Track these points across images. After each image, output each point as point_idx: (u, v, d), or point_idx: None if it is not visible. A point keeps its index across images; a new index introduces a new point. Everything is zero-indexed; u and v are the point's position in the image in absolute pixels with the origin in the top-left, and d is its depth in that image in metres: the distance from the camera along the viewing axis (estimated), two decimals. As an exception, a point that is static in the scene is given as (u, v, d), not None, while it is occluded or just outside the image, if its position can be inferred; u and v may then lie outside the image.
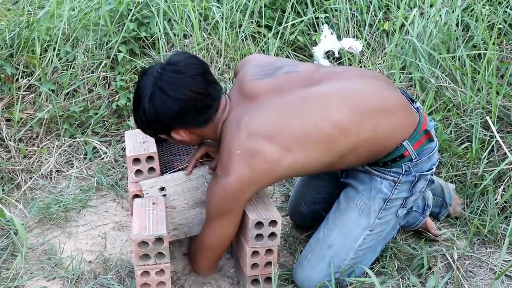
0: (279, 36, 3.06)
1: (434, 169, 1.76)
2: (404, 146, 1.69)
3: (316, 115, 1.61)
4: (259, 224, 1.72)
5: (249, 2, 3.13)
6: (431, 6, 3.00)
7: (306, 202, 2.07)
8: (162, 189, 1.85)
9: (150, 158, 1.88)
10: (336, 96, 1.65)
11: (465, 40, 2.81)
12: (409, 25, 2.90)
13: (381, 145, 1.68)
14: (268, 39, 3.05)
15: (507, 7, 2.76)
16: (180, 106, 1.60)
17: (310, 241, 1.85)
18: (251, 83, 1.69)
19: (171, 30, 2.99)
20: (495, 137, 2.25)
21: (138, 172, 1.91)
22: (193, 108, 1.62)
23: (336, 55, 2.98)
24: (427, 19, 2.89)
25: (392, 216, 1.78)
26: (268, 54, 3.04)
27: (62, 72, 2.78)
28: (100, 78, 2.83)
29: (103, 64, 2.83)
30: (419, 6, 3.06)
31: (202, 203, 1.89)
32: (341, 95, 1.66)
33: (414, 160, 1.71)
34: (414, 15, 2.91)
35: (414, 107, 1.77)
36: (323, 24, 3.11)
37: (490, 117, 2.32)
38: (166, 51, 2.94)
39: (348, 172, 1.85)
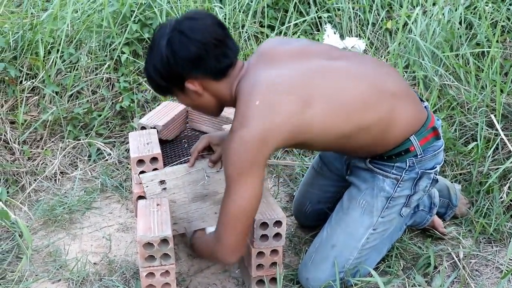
0: (282, 35, 3.04)
1: (438, 168, 1.74)
2: (410, 141, 1.67)
3: (338, 83, 1.58)
4: (264, 224, 1.70)
5: (251, 2, 3.12)
6: (434, 4, 2.98)
7: (310, 202, 2.05)
8: (162, 182, 1.83)
9: (154, 159, 1.87)
10: (357, 72, 1.63)
11: (469, 38, 2.79)
12: (412, 23, 2.88)
13: (391, 132, 1.65)
14: (271, 39, 3.04)
15: (510, 4, 2.74)
16: (199, 48, 1.52)
17: (314, 241, 1.84)
18: (271, 49, 1.65)
19: (174, 31, 2.97)
20: (500, 135, 2.24)
21: (142, 173, 1.90)
22: (212, 54, 1.54)
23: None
24: (430, 18, 2.88)
25: (396, 214, 1.76)
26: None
27: (65, 74, 2.77)
28: (104, 79, 2.82)
29: (106, 65, 2.82)
30: (421, 4, 3.05)
31: (202, 197, 1.86)
32: (361, 72, 1.64)
33: (419, 156, 1.69)
34: (417, 13, 2.90)
35: (423, 106, 1.76)
36: (326, 24, 3.10)
37: (495, 115, 2.30)
38: (169, 52, 2.92)
39: (352, 169, 1.83)
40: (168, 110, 2.24)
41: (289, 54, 1.62)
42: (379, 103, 1.61)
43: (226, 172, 1.55)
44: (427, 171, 1.71)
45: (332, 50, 1.70)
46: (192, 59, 1.54)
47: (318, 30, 3.13)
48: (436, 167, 1.73)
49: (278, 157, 2.63)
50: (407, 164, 1.69)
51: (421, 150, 1.69)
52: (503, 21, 2.71)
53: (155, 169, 1.89)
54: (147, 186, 1.82)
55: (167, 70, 1.56)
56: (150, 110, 2.58)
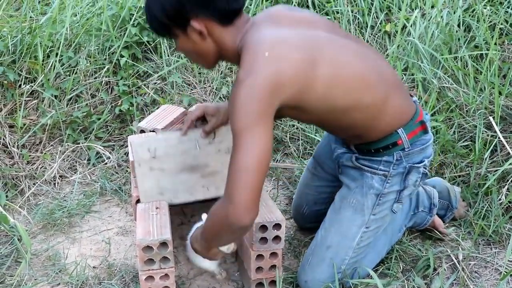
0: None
1: (426, 163, 1.74)
2: (398, 134, 1.68)
3: (343, 56, 1.57)
4: (263, 227, 1.71)
5: (251, 5, 3.12)
6: (432, 7, 2.99)
7: (307, 203, 2.06)
8: (152, 149, 1.81)
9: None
10: (360, 51, 1.63)
11: (467, 41, 2.80)
12: (411, 26, 2.89)
13: (382, 120, 1.65)
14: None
15: (508, 7, 2.75)
16: None
17: (311, 244, 1.84)
18: (279, 11, 1.62)
19: (173, 34, 2.97)
20: (498, 137, 2.24)
21: (142, 176, 1.90)
22: None
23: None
24: (429, 20, 2.88)
25: (388, 211, 1.77)
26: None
27: (64, 78, 2.77)
28: (103, 83, 2.82)
29: (105, 69, 2.83)
30: (420, 7, 3.05)
31: (192, 169, 1.84)
32: (363, 52, 1.64)
33: (406, 150, 1.69)
34: (416, 16, 2.90)
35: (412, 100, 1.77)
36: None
37: (493, 117, 2.30)
38: (168, 55, 2.94)
39: (342, 168, 1.84)
40: (167, 113, 2.23)
41: (297, 20, 1.59)
42: (377, 86, 1.61)
43: (233, 126, 1.43)
44: (415, 165, 1.71)
45: (336, 27, 1.70)
46: None
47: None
48: (424, 161, 1.73)
49: (277, 160, 2.63)
50: (395, 158, 1.69)
51: (408, 144, 1.69)
52: (501, 24, 2.72)
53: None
54: (136, 151, 1.78)
55: (175, 7, 1.50)
56: (149, 114, 2.59)
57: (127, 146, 2.58)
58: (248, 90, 1.40)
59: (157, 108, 2.43)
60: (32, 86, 2.69)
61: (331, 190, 1.98)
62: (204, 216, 1.64)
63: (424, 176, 1.76)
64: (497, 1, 2.88)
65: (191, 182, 1.84)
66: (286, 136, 2.72)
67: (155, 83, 2.86)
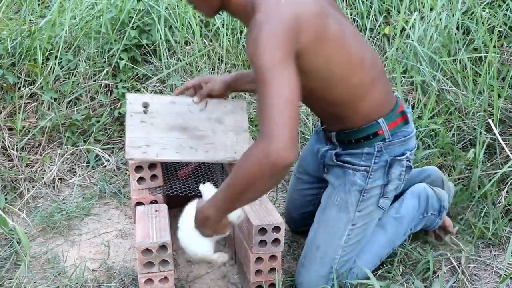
0: None
1: (409, 155, 1.74)
2: (379, 124, 1.69)
3: (349, 31, 1.62)
4: (262, 230, 1.71)
5: None
6: (431, 9, 3.00)
7: (295, 207, 2.08)
8: (146, 106, 1.87)
9: (152, 165, 1.88)
10: (356, 32, 1.71)
11: (466, 43, 2.80)
12: (410, 29, 2.90)
13: (365, 103, 1.67)
14: (269, 44, 3.05)
15: (507, 9, 2.76)
16: None
17: (304, 246, 1.85)
18: None
19: (172, 37, 2.99)
20: (498, 139, 2.25)
21: (141, 179, 1.91)
22: None
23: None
24: (428, 23, 2.89)
25: (374, 207, 1.76)
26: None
27: (64, 80, 2.78)
28: (102, 85, 2.83)
29: (104, 71, 2.83)
30: (419, 10, 3.06)
31: (181, 129, 1.88)
32: (359, 35, 1.73)
33: (387, 140, 1.70)
34: (415, 19, 2.91)
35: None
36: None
37: (492, 120, 2.31)
38: (167, 58, 2.94)
39: (327, 167, 1.85)
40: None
41: None
42: (369, 69, 1.65)
43: (259, 63, 1.37)
44: (397, 157, 1.72)
45: (338, 8, 1.74)
46: None
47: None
48: (406, 153, 1.74)
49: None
50: (375, 149, 1.70)
51: (389, 134, 1.70)
52: (500, 26, 2.73)
53: (153, 175, 1.90)
54: (130, 103, 1.86)
55: None
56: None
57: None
58: (271, 30, 1.39)
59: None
60: (32, 89, 2.69)
61: (316, 192, 2.00)
62: (204, 186, 1.58)
63: (408, 169, 1.76)
64: (496, 3, 2.89)
65: (179, 141, 1.88)
66: (286, 139, 2.71)
67: (154, 85, 2.86)
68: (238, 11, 1.59)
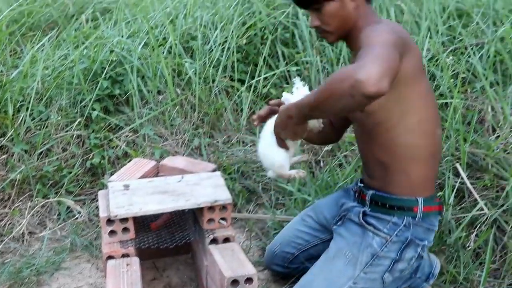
0: (252, 90, 3.12)
1: (426, 244, 1.77)
2: (417, 202, 1.73)
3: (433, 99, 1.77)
4: (234, 282, 1.71)
5: (221, 57, 3.20)
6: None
7: (281, 242, 2.09)
8: (127, 186, 1.99)
9: (124, 218, 1.88)
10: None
11: (432, 90, 2.90)
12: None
13: (415, 173, 1.72)
14: (241, 92, 3.12)
15: (469, 56, 2.87)
16: None
17: (296, 285, 1.83)
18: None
19: (145, 86, 3.03)
20: (466, 183, 2.31)
21: (112, 232, 1.90)
22: None
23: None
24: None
25: (378, 276, 1.76)
26: (242, 108, 3.09)
27: (35, 132, 2.78)
28: (74, 136, 2.83)
29: (77, 122, 2.84)
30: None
31: (161, 193, 1.97)
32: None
33: (416, 220, 1.74)
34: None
35: None
36: (295, 77, 3.19)
37: (460, 164, 2.37)
38: (140, 108, 2.98)
39: (345, 221, 1.85)
40: (138, 167, 2.26)
41: None
42: (436, 140, 1.73)
43: (370, 40, 1.47)
44: (416, 240, 1.75)
45: None
46: None
47: (288, 83, 3.22)
48: (425, 242, 1.77)
49: (250, 211, 2.65)
50: (403, 222, 1.73)
51: (421, 216, 1.74)
52: (463, 73, 2.84)
53: (125, 228, 1.90)
54: (111, 187, 1.99)
55: None
56: (121, 167, 2.60)
57: (98, 200, 2.57)
58: (385, 28, 1.54)
59: (129, 161, 2.45)
60: (1, 141, 2.68)
61: (310, 240, 2.02)
62: (287, 94, 1.69)
63: (419, 258, 1.78)
64: (459, 51, 3.01)
65: (161, 198, 1.95)
66: (259, 187, 2.75)
67: (127, 135, 2.88)
68: (350, 38, 1.70)
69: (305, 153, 2.08)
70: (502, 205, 2.19)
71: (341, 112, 1.56)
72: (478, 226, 2.21)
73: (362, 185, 1.87)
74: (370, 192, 1.81)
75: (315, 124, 1.71)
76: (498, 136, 2.47)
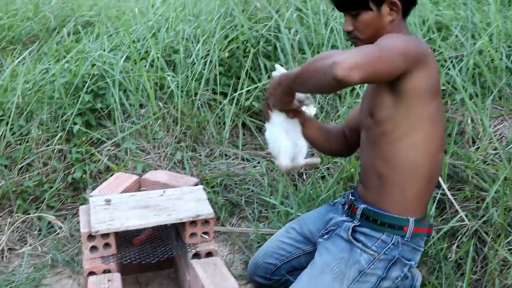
0: (234, 103, 3.13)
1: (413, 264, 1.79)
2: (408, 221, 1.74)
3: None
4: (217, 296, 1.71)
5: (204, 70, 3.22)
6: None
7: (265, 253, 2.10)
8: (108, 201, 2.00)
9: (105, 234, 1.87)
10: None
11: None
12: (360, 88, 3.03)
13: (410, 191, 1.72)
14: (224, 105, 3.13)
15: (448, 69, 2.92)
16: None
17: None
18: None
19: (126, 100, 3.03)
20: (447, 195, 2.34)
21: (93, 248, 1.89)
22: None
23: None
24: (376, 83, 3.02)
25: None
26: (224, 121, 3.10)
27: (15, 147, 2.76)
28: (55, 151, 2.82)
29: (58, 136, 2.83)
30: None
31: (143, 208, 1.97)
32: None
33: (405, 239, 1.75)
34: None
35: None
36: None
37: (441, 176, 2.40)
38: (122, 122, 2.97)
39: (332, 236, 1.84)
40: (120, 181, 2.26)
41: None
42: (438, 163, 1.76)
43: (380, 43, 1.56)
44: (403, 259, 1.76)
45: None
46: None
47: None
48: (411, 262, 1.78)
49: (233, 224, 2.65)
50: (392, 241, 1.74)
51: (410, 236, 1.75)
52: (443, 85, 2.88)
53: (106, 244, 1.89)
54: (92, 202, 1.98)
55: None
56: (103, 181, 2.58)
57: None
58: (402, 38, 1.59)
59: (110, 175, 2.44)
60: (-19, 157, 2.66)
61: (293, 251, 2.03)
62: (280, 67, 1.85)
63: (404, 278, 1.80)
64: (439, 63, 3.06)
65: (143, 213, 1.94)
66: (241, 200, 2.75)
67: (109, 149, 2.88)
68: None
69: (317, 156, 2.12)
70: (483, 216, 2.22)
71: (314, 88, 1.64)
72: (459, 237, 2.24)
73: (353, 198, 1.88)
74: (362, 206, 1.81)
75: (302, 96, 1.81)
76: (478, 147, 2.50)
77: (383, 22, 1.71)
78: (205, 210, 1.96)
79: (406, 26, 1.77)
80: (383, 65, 1.50)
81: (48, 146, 2.82)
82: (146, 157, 2.88)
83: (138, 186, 2.30)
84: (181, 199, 2.04)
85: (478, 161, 2.42)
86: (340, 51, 1.49)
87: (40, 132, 2.83)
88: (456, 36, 3.16)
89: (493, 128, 2.56)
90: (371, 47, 1.52)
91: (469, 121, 2.63)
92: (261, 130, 3.14)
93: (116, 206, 1.97)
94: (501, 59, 2.87)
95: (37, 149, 2.79)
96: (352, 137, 2.01)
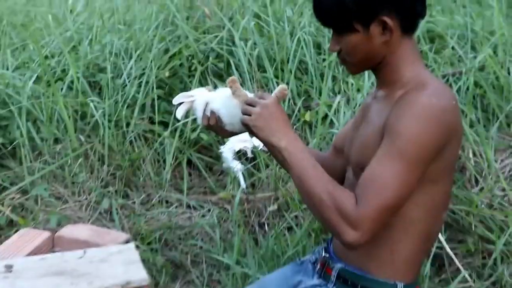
0: (177, 135, 3.12)
1: None
2: (397, 287, 1.73)
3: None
4: None
5: (138, 94, 3.21)
6: (358, 90, 3.19)
7: None
8: (9, 267, 1.89)
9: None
10: None
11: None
12: (334, 114, 3.06)
13: (402, 252, 1.72)
14: (164, 138, 3.11)
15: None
16: None
17: None
18: None
19: (37, 134, 2.99)
20: (445, 248, 2.36)
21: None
22: None
23: (250, 155, 3.06)
24: (354, 107, 3.07)
25: None
26: (165, 159, 3.09)
27: None
28: None
29: None
30: (344, 91, 3.25)
31: (56, 275, 1.89)
32: None
33: None
34: (339, 102, 3.08)
35: None
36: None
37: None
38: (31, 161, 2.92)
39: None
40: (27, 239, 2.21)
41: None
42: (438, 220, 1.76)
43: (400, 141, 1.56)
44: None
45: None
46: None
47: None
48: None
49: None
50: None
51: None
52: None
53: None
54: None
55: None
56: (4, 240, 2.52)
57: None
58: (436, 114, 1.56)
59: (14, 232, 2.39)
60: None
61: None
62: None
63: None
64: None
65: (55, 283, 1.87)
66: (187, 259, 2.73)
67: (13, 198, 2.82)
68: (380, 72, 1.74)
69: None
70: (491, 275, 2.25)
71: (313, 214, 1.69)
72: (462, 302, 2.26)
73: (327, 255, 1.87)
74: (339, 265, 1.78)
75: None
76: (482, 188, 2.55)
77: (374, 45, 1.70)
78: (138, 275, 1.93)
79: (413, 46, 1.76)
80: (403, 192, 1.58)
81: None
82: (63, 207, 2.83)
83: (50, 246, 2.25)
84: (107, 262, 2.00)
85: (482, 206, 2.46)
86: (347, 213, 1.55)
87: None
88: (453, 48, 3.25)
89: (500, 164, 2.62)
90: (389, 189, 1.56)
91: (470, 155, 2.68)
92: (211, 169, 3.13)
93: (20, 274, 1.92)
94: (508, 75, 2.94)
95: None
96: (338, 161, 2.02)
